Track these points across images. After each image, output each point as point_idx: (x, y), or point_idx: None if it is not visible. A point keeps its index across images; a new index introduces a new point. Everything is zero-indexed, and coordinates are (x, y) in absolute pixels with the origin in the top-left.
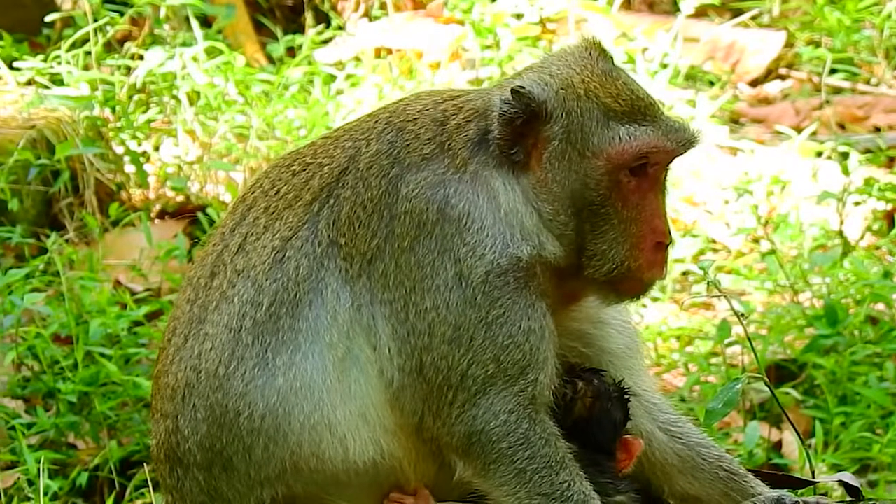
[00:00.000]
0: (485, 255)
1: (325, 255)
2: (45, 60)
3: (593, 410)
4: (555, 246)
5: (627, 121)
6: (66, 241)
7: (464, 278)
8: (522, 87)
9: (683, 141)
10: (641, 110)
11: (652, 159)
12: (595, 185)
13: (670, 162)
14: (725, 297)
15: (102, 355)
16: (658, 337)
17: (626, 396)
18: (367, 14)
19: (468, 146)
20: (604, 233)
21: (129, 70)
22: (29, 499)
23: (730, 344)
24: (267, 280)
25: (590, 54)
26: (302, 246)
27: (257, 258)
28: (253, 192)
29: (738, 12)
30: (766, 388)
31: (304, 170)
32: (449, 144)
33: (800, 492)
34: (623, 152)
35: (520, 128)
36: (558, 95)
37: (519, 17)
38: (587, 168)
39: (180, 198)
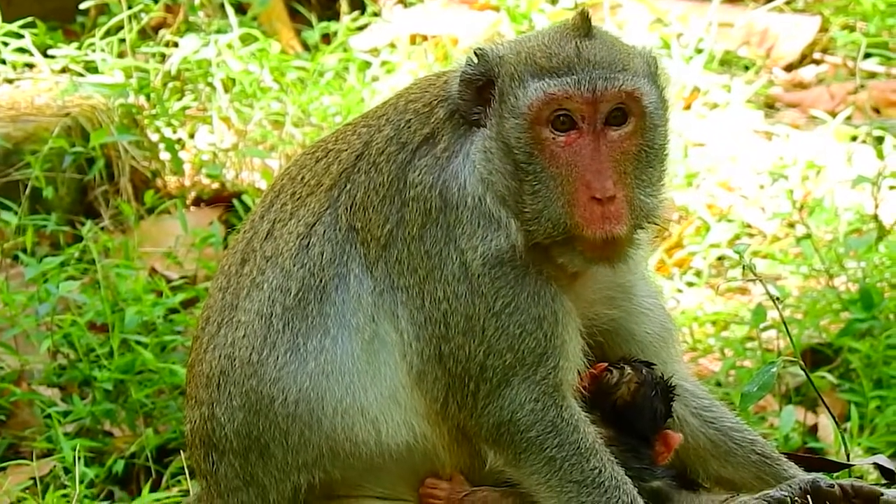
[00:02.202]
0: (477, 246)
1: (346, 241)
2: (79, 48)
3: (636, 396)
4: (516, 227)
5: (546, 76)
6: (102, 228)
7: (468, 268)
8: (482, 50)
9: (594, 86)
10: (569, 65)
11: (574, 111)
12: (516, 142)
13: (601, 111)
14: (761, 281)
15: (138, 343)
16: (694, 322)
17: (672, 394)
18: (402, 1)
19: (444, 121)
20: (536, 192)
21: (163, 57)
22: (65, 486)
23: (765, 328)
24: (294, 266)
25: (564, 24)
26: (325, 232)
27: (284, 244)
28: (281, 180)
29: None
30: (802, 372)
31: (326, 156)
32: (436, 123)
33: (835, 475)
34: (531, 106)
35: (481, 90)
36: (503, 59)
37: (554, 2)
38: (509, 128)
39: (216, 185)
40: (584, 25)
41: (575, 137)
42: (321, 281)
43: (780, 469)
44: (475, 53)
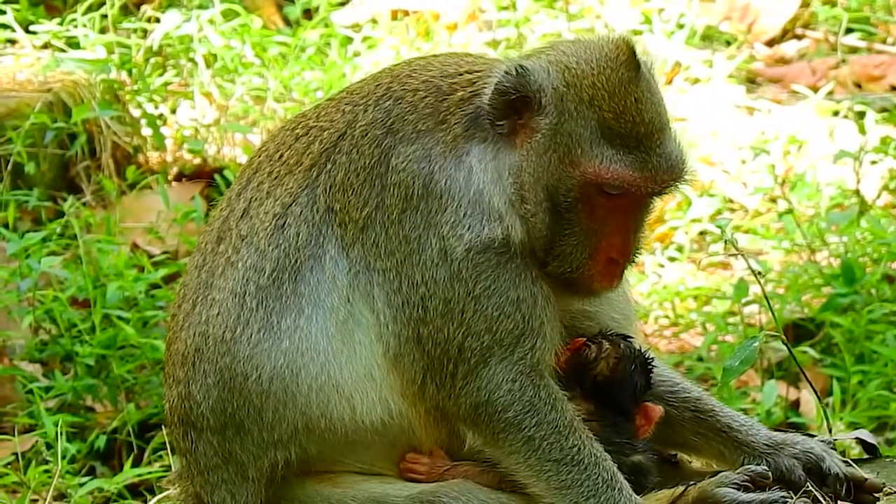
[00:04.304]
0: (463, 234)
1: (322, 222)
2: (61, 24)
3: (616, 371)
4: (520, 229)
5: (618, 144)
6: (84, 204)
7: (448, 254)
8: (525, 68)
9: (666, 182)
10: (637, 137)
11: (629, 191)
12: (566, 191)
13: (653, 196)
14: (743, 256)
15: (120, 318)
16: (676, 297)
17: (651, 366)
18: None
19: (464, 121)
20: (568, 236)
21: (145, 33)
22: (47, 462)
23: (747, 303)
24: (269, 246)
25: (616, 57)
26: (301, 212)
27: (260, 224)
28: (259, 157)
29: None
30: (784, 347)
31: (307, 134)
32: (446, 117)
33: None
34: (599, 174)
35: (512, 103)
36: (558, 92)
37: None
38: (562, 173)
39: (197, 160)
40: (635, 61)
41: (618, 202)
42: (296, 261)
43: (714, 421)
44: (516, 69)
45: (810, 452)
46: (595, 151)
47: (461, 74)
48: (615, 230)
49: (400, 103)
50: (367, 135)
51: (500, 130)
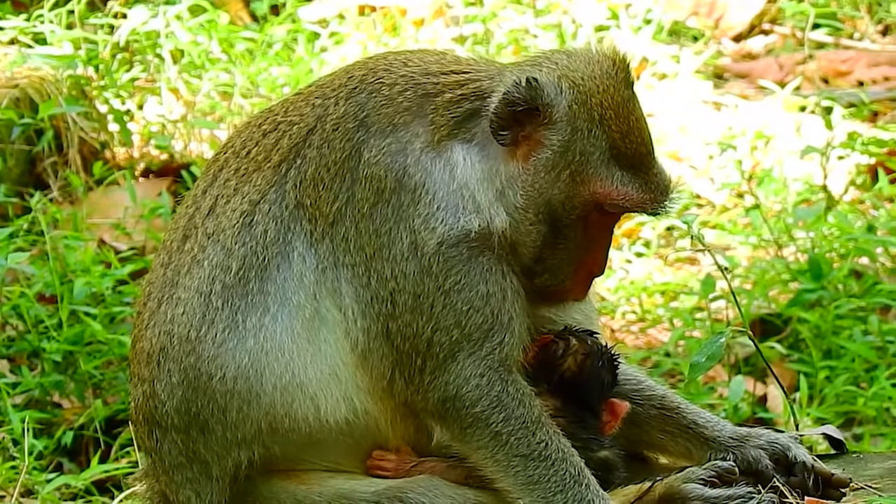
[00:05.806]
0: (436, 227)
1: (291, 219)
2: (27, 20)
3: (583, 367)
4: (504, 219)
5: (626, 166)
6: (50, 200)
7: (418, 248)
8: (537, 81)
9: (662, 205)
10: (640, 159)
11: (630, 210)
12: (570, 207)
13: (651, 216)
14: (710, 251)
15: (87, 314)
16: (643, 292)
17: (616, 361)
18: None
19: (451, 122)
20: (561, 250)
21: (112, 29)
22: (14, 458)
23: (714, 298)
24: (236, 244)
25: (616, 74)
26: (269, 210)
27: (227, 222)
28: (225, 153)
29: None
30: (751, 343)
31: (275, 129)
32: (433, 118)
33: None
34: (609, 195)
35: (518, 114)
36: (571, 110)
37: None
38: (570, 191)
39: (164, 156)
40: (631, 79)
41: (609, 219)
42: (263, 259)
43: (680, 418)
44: (528, 81)
45: (776, 443)
46: (606, 172)
47: (445, 74)
48: (602, 246)
49: (375, 96)
50: (338, 128)
51: (502, 140)
